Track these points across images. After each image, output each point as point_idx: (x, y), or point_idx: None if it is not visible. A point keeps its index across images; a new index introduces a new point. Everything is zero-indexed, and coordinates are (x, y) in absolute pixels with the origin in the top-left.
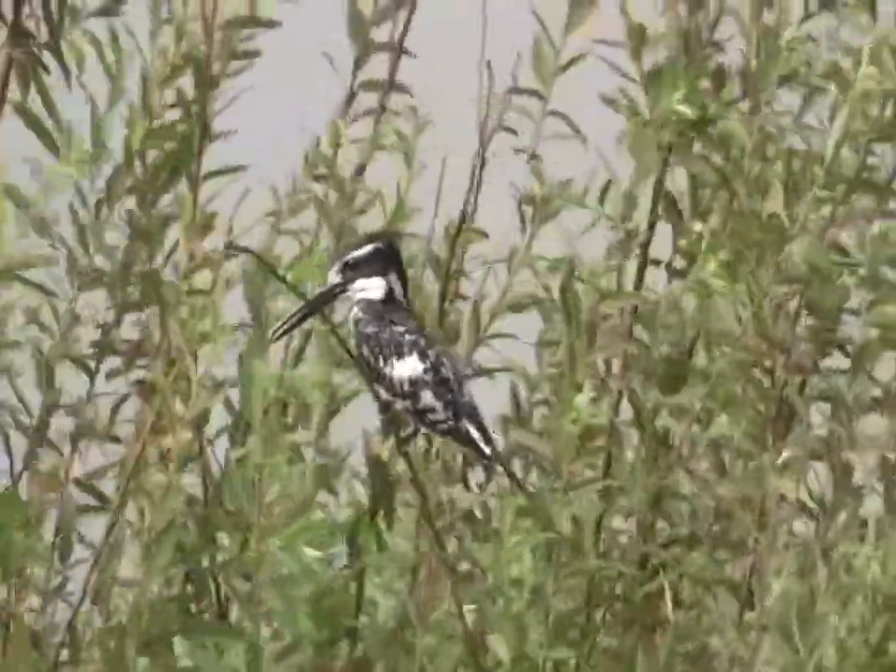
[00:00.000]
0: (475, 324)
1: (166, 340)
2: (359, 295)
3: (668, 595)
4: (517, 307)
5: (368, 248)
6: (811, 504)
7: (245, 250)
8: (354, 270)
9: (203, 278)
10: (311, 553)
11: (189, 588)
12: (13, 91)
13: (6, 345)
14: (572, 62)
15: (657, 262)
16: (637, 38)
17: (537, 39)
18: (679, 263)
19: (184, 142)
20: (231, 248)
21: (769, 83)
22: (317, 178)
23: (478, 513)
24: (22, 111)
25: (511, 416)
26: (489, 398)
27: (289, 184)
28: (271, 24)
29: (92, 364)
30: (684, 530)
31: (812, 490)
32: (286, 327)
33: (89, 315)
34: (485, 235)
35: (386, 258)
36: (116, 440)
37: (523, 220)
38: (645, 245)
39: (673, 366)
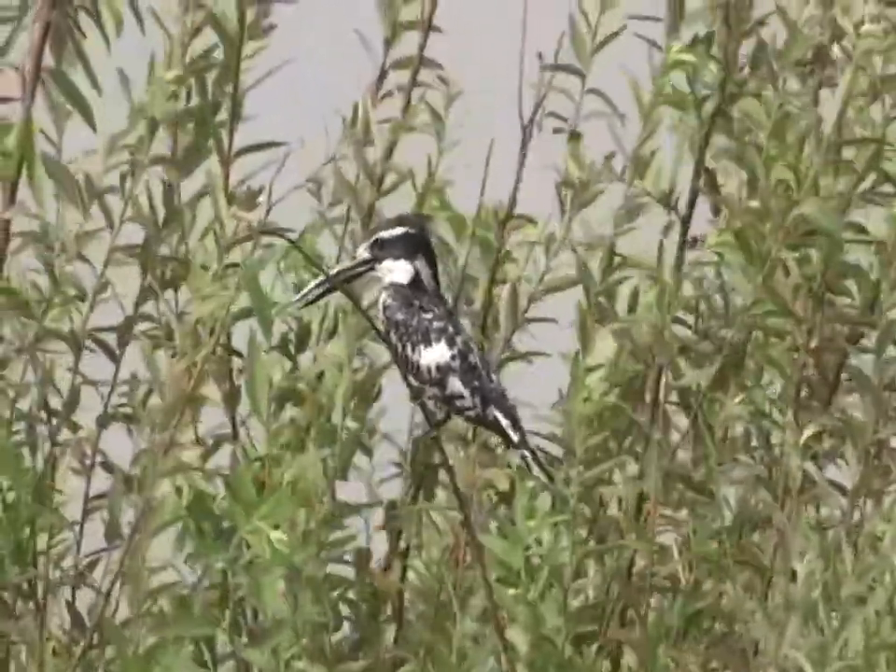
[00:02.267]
0: (513, 307)
1: (200, 318)
2: (387, 277)
3: (685, 574)
4: (556, 290)
5: (399, 230)
6: (835, 484)
7: (278, 231)
8: (382, 249)
9: (239, 254)
10: (276, 535)
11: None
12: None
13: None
14: (608, 39)
15: (695, 241)
16: (675, 13)
17: (572, 18)
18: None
19: (211, 113)
20: (267, 230)
21: (790, 64)
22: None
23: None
24: (58, 77)
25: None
26: (530, 382)
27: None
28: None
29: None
30: (704, 512)
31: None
32: (309, 297)
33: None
34: (534, 222)
35: (416, 243)
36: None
37: (562, 204)
38: (685, 221)
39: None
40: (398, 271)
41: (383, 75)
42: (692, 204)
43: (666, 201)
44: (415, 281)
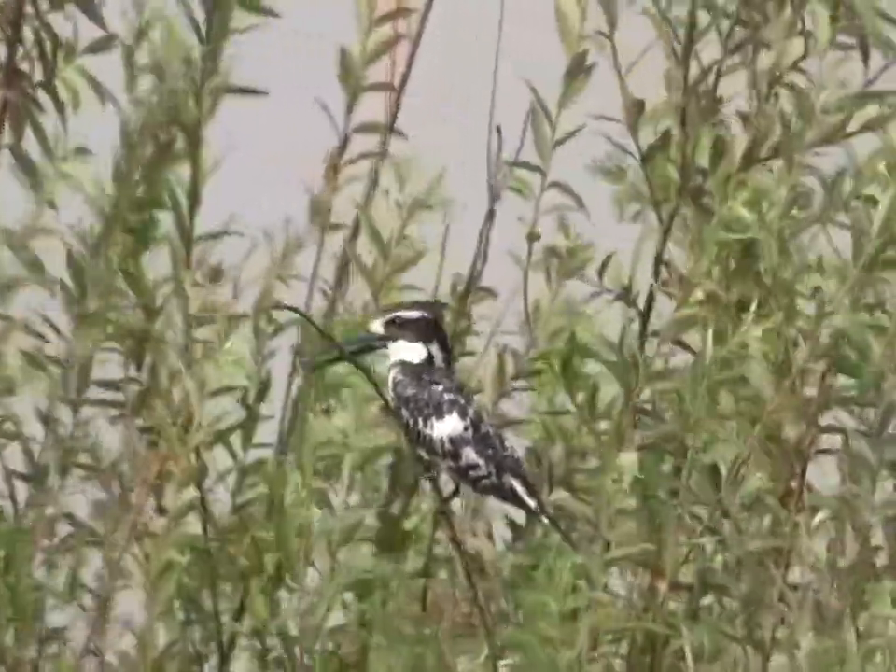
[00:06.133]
0: (500, 375)
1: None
2: (398, 355)
3: (688, 649)
4: (544, 358)
5: (416, 313)
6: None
7: (293, 309)
8: (399, 329)
9: (210, 329)
10: None
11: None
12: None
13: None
14: (568, 136)
15: (656, 333)
16: (635, 112)
17: (534, 113)
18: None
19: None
20: (277, 307)
21: (802, 145)
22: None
23: (506, 571)
24: (17, 154)
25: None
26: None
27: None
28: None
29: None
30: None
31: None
32: (318, 362)
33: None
34: (494, 296)
35: (433, 328)
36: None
37: (548, 273)
38: (645, 314)
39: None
40: (413, 352)
41: (345, 141)
42: (650, 301)
43: (626, 297)
44: (429, 363)
